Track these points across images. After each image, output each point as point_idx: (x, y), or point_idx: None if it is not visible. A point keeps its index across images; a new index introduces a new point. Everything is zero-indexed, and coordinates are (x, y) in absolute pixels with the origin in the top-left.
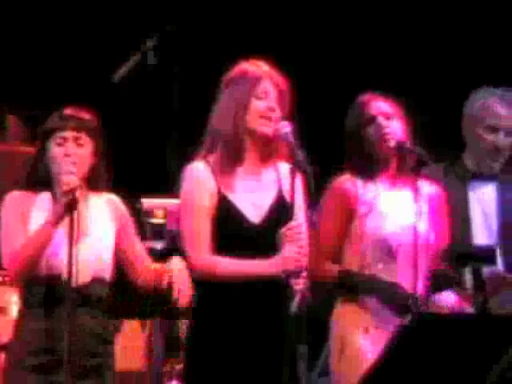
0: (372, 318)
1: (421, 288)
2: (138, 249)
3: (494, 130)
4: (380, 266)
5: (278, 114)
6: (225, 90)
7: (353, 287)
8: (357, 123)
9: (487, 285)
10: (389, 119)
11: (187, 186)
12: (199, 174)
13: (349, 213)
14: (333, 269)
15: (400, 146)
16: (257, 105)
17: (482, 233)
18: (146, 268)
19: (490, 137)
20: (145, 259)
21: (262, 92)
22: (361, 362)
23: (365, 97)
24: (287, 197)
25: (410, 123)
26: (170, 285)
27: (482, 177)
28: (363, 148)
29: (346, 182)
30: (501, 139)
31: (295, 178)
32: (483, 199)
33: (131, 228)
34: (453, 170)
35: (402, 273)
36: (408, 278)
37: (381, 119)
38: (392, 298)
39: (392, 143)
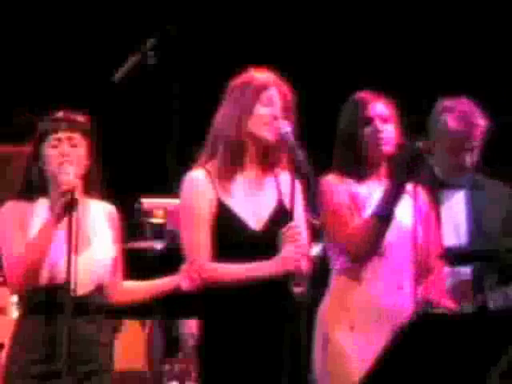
0: (357, 316)
1: (407, 287)
2: (119, 265)
3: (458, 150)
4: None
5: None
6: (230, 95)
7: (385, 206)
8: (352, 123)
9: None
10: (385, 122)
11: (187, 196)
12: (198, 184)
13: (350, 195)
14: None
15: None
16: (261, 111)
17: (451, 238)
18: (120, 288)
19: (455, 158)
20: (120, 277)
21: (267, 99)
22: (344, 360)
23: (362, 96)
24: (287, 203)
25: (404, 124)
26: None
27: (450, 185)
28: (355, 148)
29: (334, 180)
30: (466, 160)
31: (295, 181)
32: (452, 206)
33: (119, 245)
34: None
35: (387, 271)
36: (393, 277)
37: (377, 122)
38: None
39: (385, 148)
